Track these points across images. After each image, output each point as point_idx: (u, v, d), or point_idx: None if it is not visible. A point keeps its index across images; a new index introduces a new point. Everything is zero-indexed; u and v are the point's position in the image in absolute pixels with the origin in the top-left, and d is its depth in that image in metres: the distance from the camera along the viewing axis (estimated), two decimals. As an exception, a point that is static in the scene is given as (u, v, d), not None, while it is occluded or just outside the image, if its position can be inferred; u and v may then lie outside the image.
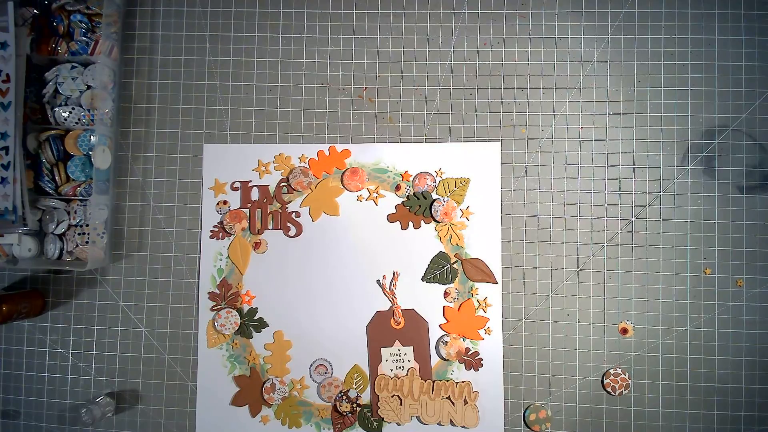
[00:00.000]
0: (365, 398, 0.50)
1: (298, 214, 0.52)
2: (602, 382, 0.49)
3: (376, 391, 0.50)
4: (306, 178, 0.52)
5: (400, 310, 0.51)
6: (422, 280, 0.51)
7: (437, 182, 0.51)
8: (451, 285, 0.51)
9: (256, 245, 0.52)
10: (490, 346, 0.50)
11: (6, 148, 0.48)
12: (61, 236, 0.51)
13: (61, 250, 0.50)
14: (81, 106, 0.51)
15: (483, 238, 0.51)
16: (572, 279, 0.50)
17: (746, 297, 0.49)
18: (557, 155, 0.51)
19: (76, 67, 0.51)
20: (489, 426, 0.50)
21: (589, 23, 0.51)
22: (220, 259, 0.52)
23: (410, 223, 0.51)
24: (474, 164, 0.51)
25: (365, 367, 0.51)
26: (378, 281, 0.51)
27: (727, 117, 0.50)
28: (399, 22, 0.52)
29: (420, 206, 0.51)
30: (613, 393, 0.49)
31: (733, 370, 0.49)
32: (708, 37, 0.50)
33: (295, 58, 0.53)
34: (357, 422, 0.50)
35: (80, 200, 0.51)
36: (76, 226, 0.51)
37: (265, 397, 0.51)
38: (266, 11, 0.53)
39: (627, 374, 0.49)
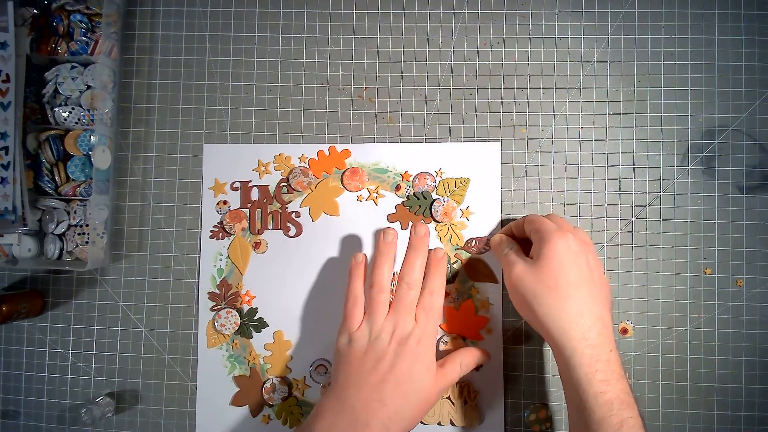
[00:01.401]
0: (365, 398, 0.50)
1: (298, 214, 0.52)
2: (602, 382, 0.49)
3: (376, 391, 0.50)
4: (306, 178, 0.52)
5: (400, 310, 0.51)
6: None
7: (437, 182, 0.51)
8: (451, 285, 0.51)
9: (256, 245, 0.52)
10: (490, 346, 0.50)
11: (6, 148, 0.48)
12: (61, 236, 0.51)
13: (61, 250, 0.50)
14: (81, 106, 0.51)
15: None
16: (572, 279, 0.49)
17: (746, 297, 0.49)
18: (557, 155, 0.51)
19: (76, 67, 0.51)
20: (489, 426, 0.50)
21: (589, 23, 0.51)
22: (220, 259, 0.52)
23: (410, 224, 0.51)
24: (474, 164, 0.51)
25: (365, 367, 0.51)
26: (378, 281, 0.51)
27: (727, 117, 0.50)
28: (399, 22, 0.52)
29: (420, 206, 0.51)
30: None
31: (733, 370, 0.49)
32: (708, 37, 0.50)
33: (295, 58, 0.53)
34: (357, 422, 0.50)
35: (80, 200, 0.51)
36: (76, 226, 0.51)
37: (265, 397, 0.51)
38: (266, 11, 0.53)
39: (627, 374, 0.49)
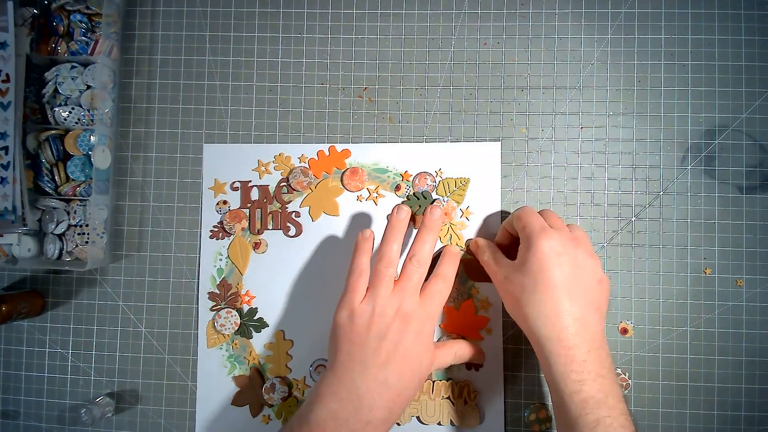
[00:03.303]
0: (365, 398, 0.50)
1: (298, 214, 0.52)
2: (602, 382, 0.49)
3: (376, 391, 0.50)
4: (306, 178, 0.52)
5: (400, 310, 0.51)
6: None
7: (437, 182, 0.51)
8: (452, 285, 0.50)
9: (256, 245, 0.52)
10: (490, 346, 0.50)
11: (6, 148, 0.48)
12: (60, 236, 0.51)
13: (61, 250, 0.50)
14: (81, 106, 0.51)
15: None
16: (572, 279, 0.49)
17: (746, 297, 0.49)
18: (557, 155, 0.51)
19: (76, 67, 0.51)
20: (489, 426, 0.50)
21: (589, 23, 0.51)
22: (220, 259, 0.52)
23: (410, 223, 0.51)
24: (474, 164, 0.51)
25: (365, 367, 0.51)
26: (378, 281, 0.51)
27: (727, 117, 0.50)
28: (399, 22, 0.52)
29: (420, 206, 0.51)
30: (613, 393, 0.49)
31: (733, 370, 0.49)
32: (708, 37, 0.50)
33: (295, 58, 0.53)
34: (357, 422, 0.50)
35: (80, 200, 0.51)
36: (75, 226, 0.51)
37: (265, 397, 0.51)
38: (266, 11, 0.53)
39: (627, 374, 0.49)
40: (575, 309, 0.41)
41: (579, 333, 0.40)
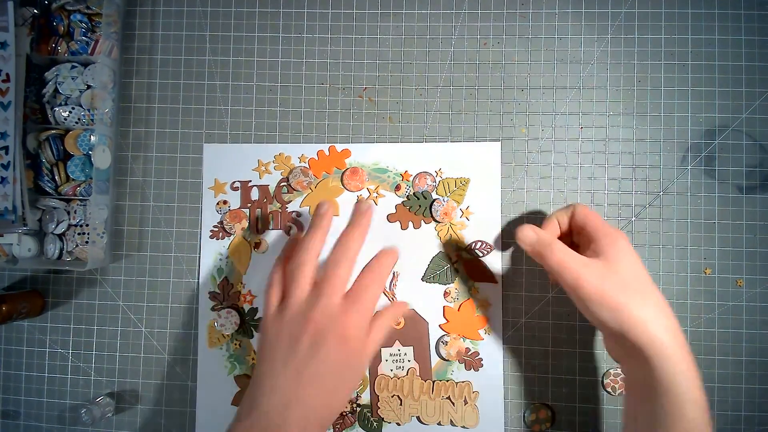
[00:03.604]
0: (365, 398, 0.50)
1: (298, 214, 0.52)
2: (602, 382, 0.49)
3: (376, 391, 0.50)
4: (306, 178, 0.52)
5: (400, 310, 0.51)
6: (422, 280, 0.51)
7: (437, 182, 0.51)
8: (451, 285, 0.51)
9: (256, 245, 0.52)
10: (490, 346, 0.50)
11: (6, 148, 0.48)
12: (60, 236, 0.51)
13: (61, 250, 0.50)
14: (81, 105, 0.51)
15: (483, 238, 0.51)
16: (572, 279, 0.49)
17: (746, 297, 0.49)
18: (557, 155, 0.51)
19: (76, 66, 0.51)
20: (489, 426, 0.50)
21: (589, 23, 0.51)
22: (220, 259, 0.52)
23: (410, 223, 0.51)
24: (474, 164, 0.51)
25: (365, 367, 0.51)
26: (378, 281, 0.51)
27: (727, 117, 0.50)
28: (399, 22, 0.52)
29: (420, 206, 0.51)
30: (613, 393, 0.49)
31: (733, 370, 0.49)
32: (708, 37, 0.50)
33: (295, 58, 0.53)
34: (357, 422, 0.50)
35: (80, 200, 0.51)
36: (76, 226, 0.51)
37: (265, 397, 0.51)
38: (266, 11, 0.53)
39: None
40: (670, 310, 0.40)
41: (682, 334, 0.39)
